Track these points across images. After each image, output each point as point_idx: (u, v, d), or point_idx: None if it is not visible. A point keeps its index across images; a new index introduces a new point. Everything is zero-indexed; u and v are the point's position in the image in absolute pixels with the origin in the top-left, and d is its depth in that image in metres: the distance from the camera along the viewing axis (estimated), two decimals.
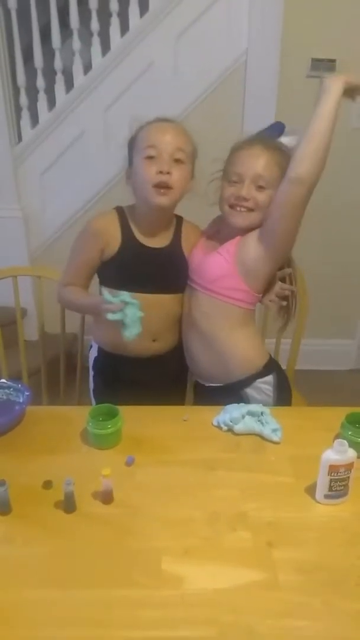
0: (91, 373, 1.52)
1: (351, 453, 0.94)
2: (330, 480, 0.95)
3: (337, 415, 1.13)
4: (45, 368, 1.74)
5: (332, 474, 0.94)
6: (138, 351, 1.39)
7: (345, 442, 0.94)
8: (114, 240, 1.31)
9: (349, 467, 0.94)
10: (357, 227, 2.53)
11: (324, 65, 2.26)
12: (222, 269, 1.28)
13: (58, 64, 2.32)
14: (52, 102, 2.37)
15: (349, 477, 0.95)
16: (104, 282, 1.38)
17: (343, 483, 0.95)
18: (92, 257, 1.34)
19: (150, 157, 1.21)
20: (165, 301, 1.37)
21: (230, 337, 1.32)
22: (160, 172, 1.21)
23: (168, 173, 1.21)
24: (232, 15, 2.20)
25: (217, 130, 2.35)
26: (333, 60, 2.25)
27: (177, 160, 1.23)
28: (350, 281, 2.66)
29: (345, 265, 2.63)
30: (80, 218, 2.44)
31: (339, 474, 0.94)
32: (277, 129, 1.29)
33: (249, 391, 1.33)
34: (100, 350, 1.47)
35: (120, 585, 0.83)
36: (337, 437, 1.04)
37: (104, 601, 0.80)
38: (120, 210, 1.35)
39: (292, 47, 2.22)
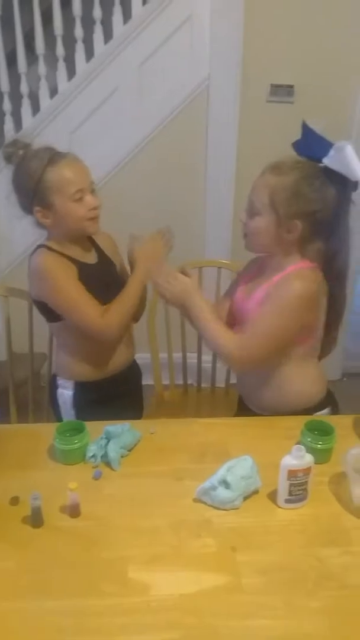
0: (71, 414, 1.48)
1: (308, 458, 0.99)
2: (290, 485, 0.99)
3: (298, 423, 1.18)
4: (13, 388, 1.74)
5: (291, 479, 0.98)
6: (121, 362, 1.49)
7: (302, 447, 0.99)
8: (71, 267, 1.36)
9: (306, 471, 0.99)
10: None
11: (282, 91, 2.36)
12: None
13: (24, 87, 2.37)
14: (18, 125, 2.41)
15: (307, 482, 1.00)
16: (52, 318, 1.40)
17: (302, 487, 1.00)
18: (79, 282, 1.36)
19: (79, 199, 1.30)
20: None
21: (289, 373, 1.30)
22: (93, 209, 1.33)
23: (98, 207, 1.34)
24: (194, 42, 2.28)
25: (181, 153, 2.44)
26: (291, 86, 2.35)
27: (93, 190, 1.34)
28: None
29: None
30: None
31: (297, 478, 0.98)
32: (317, 149, 1.18)
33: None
34: (78, 385, 1.47)
35: (88, 595, 0.85)
36: (297, 444, 1.08)
37: (71, 611, 0.82)
38: (48, 248, 1.36)
39: (252, 74, 2.31)
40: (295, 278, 1.21)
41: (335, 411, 1.38)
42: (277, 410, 1.33)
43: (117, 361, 1.48)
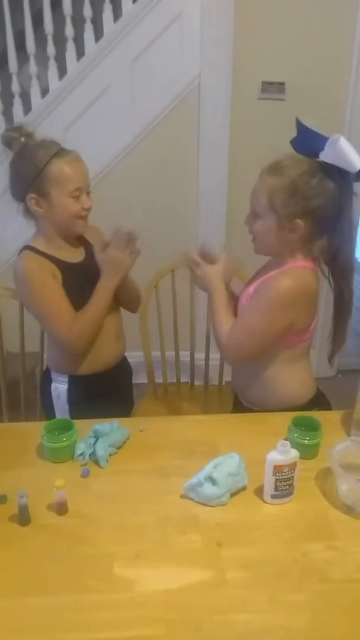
0: (65, 408, 1.50)
1: (294, 453, 0.99)
2: (276, 480, 0.99)
3: (286, 419, 1.18)
4: (5, 388, 1.75)
5: (277, 474, 0.98)
6: (112, 357, 1.52)
7: (287, 443, 0.99)
8: (55, 272, 1.37)
9: (292, 466, 0.99)
10: None
11: (273, 88, 2.36)
12: None
13: (15, 87, 2.37)
14: (10, 124, 2.40)
15: (293, 477, 1.00)
16: None
17: (288, 482, 1.00)
18: (61, 289, 1.37)
19: (76, 197, 1.33)
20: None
21: (278, 373, 1.31)
22: (86, 209, 1.36)
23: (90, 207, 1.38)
24: (185, 40, 2.28)
25: (174, 151, 2.45)
26: (282, 83, 2.35)
27: (88, 192, 1.38)
28: None
29: None
30: None
31: (283, 473, 0.99)
32: (310, 145, 1.18)
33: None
34: (72, 379, 1.48)
35: (73, 591, 0.85)
36: (284, 439, 1.08)
37: (56, 607, 0.83)
38: (32, 249, 1.37)
39: (243, 71, 2.32)
40: (284, 276, 1.22)
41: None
42: (266, 407, 1.33)
43: (109, 355, 1.51)
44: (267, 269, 1.31)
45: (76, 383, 1.48)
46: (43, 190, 1.31)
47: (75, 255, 1.43)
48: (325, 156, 1.15)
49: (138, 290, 1.58)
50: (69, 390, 1.48)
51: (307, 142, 1.18)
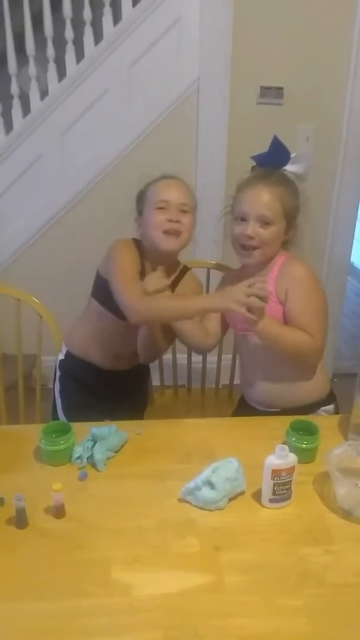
0: (58, 374, 1.61)
1: (292, 457, 0.99)
2: (274, 485, 0.99)
3: (283, 423, 1.18)
4: (3, 391, 1.74)
5: (275, 478, 0.99)
6: (101, 364, 1.54)
7: (285, 447, 0.99)
8: (137, 263, 1.42)
9: (290, 471, 0.99)
10: (319, 233, 2.59)
11: (272, 93, 2.37)
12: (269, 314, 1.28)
13: (15, 89, 2.37)
14: (9, 126, 2.41)
15: (291, 481, 1.00)
16: (96, 294, 1.49)
17: (286, 487, 1.00)
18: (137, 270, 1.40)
19: (160, 208, 1.36)
20: (133, 328, 1.44)
21: (300, 369, 1.36)
22: (170, 221, 1.35)
23: (177, 222, 1.35)
24: (184, 44, 2.29)
25: (172, 155, 2.45)
26: (280, 88, 2.36)
27: (183, 211, 1.37)
28: None
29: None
30: (36, 242, 2.48)
31: (281, 478, 0.99)
32: (283, 158, 1.33)
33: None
34: (68, 353, 1.57)
35: (71, 596, 0.85)
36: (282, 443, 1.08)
37: (54, 612, 0.82)
38: (137, 244, 1.43)
39: (242, 76, 2.32)
40: (295, 263, 1.33)
41: (336, 407, 1.42)
42: (286, 405, 1.36)
43: (98, 359, 1.54)
44: (254, 270, 1.35)
45: (67, 356, 1.58)
46: (140, 210, 1.42)
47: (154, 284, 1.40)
48: (293, 166, 1.33)
49: (166, 347, 1.53)
50: (62, 360, 1.58)
51: (280, 155, 1.33)
